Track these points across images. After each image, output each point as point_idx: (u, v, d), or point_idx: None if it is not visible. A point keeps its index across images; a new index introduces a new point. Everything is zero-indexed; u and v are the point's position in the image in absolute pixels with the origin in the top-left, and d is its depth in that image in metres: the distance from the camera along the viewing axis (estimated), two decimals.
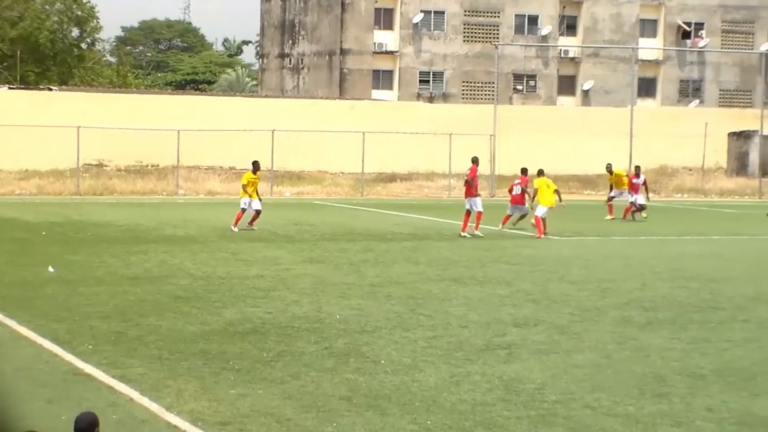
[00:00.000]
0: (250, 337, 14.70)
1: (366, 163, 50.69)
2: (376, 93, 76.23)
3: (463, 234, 29.90)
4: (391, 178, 54.92)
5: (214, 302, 17.61)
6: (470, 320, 16.34)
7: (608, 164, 39.27)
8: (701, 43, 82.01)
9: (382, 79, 77.95)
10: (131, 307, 17.06)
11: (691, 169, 59.14)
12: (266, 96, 74.20)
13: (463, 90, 78.67)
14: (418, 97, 76.56)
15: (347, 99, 67.88)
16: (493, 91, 58.28)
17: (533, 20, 80.00)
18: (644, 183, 37.71)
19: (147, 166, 53.39)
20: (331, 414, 11.03)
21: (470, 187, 30.63)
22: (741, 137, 61.65)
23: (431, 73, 78.66)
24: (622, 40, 79.14)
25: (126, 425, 10.58)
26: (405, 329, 15.49)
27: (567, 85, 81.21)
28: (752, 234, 33.11)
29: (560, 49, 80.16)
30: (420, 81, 78.41)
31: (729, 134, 62.39)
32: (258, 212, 30.65)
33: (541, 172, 32.69)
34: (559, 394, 11.90)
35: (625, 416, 11.10)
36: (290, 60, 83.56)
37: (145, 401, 11.36)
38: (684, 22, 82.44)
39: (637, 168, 39.20)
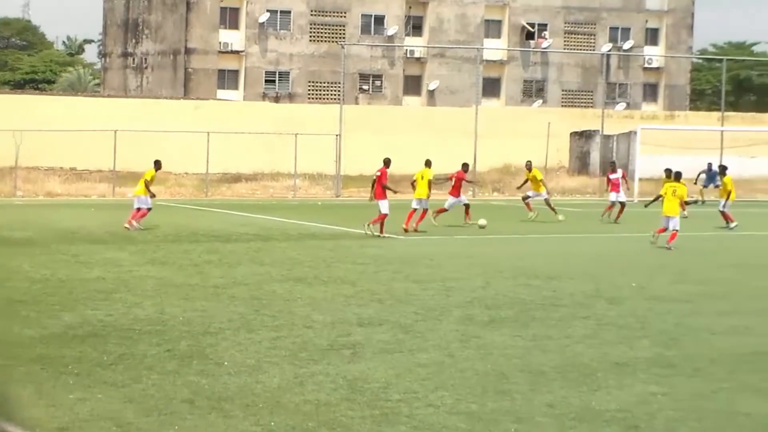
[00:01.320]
0: (90, 341, 14.39)
1: (211, 164, 50.29)
2: (221, 93, 75.74)
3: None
4: (236, 178, 54.57)
5: (53, 305, 17.20)
6: (315, 320, 16.26)
7: (528, 161, 39.05)
8: (544, 44, 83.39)
9: (227, 78, 77.46)
10: None
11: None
12: (109, 96, 73.13)
13: (310, 90, 78.62)
14: (264, 96, 76.32)
15: (192, 99, 67.29)
16: (339, 90, 58.31)
17: (379, 20, 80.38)
18: (623, 176, 38.31)
19: None
20: (173, 417, 10.84)
21: (380, 187, 30.42)
22: (583, 137, 62.82)
23: (277, 73, 78.44)
24: (467, 41, 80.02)
25: None
26: (249, 330, 15.35)
27: (413, 85, 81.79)
28: (592, 232, 33.72)
29: (406, 50, 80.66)
30: (266, 81, 78.14)
31: (571, 134, 63.52)
32: (149, 210, 31.11)
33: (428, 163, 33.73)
34: (403, 393, 11.90)
35: (468, 414, 11.14)
36: (134, 59, 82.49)
37: None
38: (528, 23, 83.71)
39: (613, 164, 39.94)
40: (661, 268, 24.09)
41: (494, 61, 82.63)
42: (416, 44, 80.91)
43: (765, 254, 27.84)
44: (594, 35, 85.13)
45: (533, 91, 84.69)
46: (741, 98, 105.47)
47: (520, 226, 34.78)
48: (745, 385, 12.59)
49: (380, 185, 30.51)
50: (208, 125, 52.90)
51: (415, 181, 32.85)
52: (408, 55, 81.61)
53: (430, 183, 32.47)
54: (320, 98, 76.98)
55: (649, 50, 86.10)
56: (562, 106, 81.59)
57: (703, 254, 27.79)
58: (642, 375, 13.02)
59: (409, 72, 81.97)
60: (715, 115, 66.76)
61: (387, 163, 31.37)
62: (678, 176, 29.82)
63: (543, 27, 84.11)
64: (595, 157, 60.45)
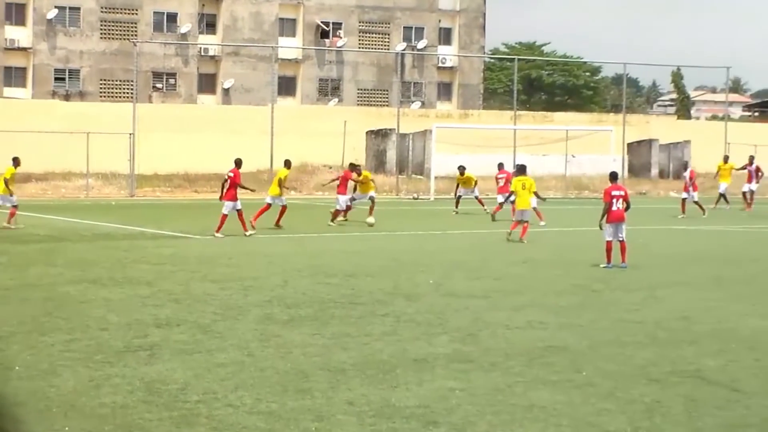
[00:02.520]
0: None
1: None
2: (8, 91, 73.80)
3: (248, 233, 30.14)
4: (26, 178, 53.05)
5: None
6: (110, 322, 15.92)
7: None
8: (339, 43, 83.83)
9: (14, 76, 75.53)
10: None
11: (331, 167, 60.20)
12: None
13: (101, 88, 77.28)
14: (54, 95, 74.65)
15: None
16: (132, 89, 57.41)
17: (172, 18, 79.54)
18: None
19: None
20: None
21: (233, 188, 30.33)
22: (379, 135, 63.34)
23: (67, 71, 76.86)
24: (262, 39, 79.83)
25: None
26: (41, 333, 14.92)
27: (208, 83, 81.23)
28: (390, 230, 33.96)
29: (200, 48, 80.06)
30: (56, 78, 76.49)
31: (367, 132, 63.97)
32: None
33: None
34: (202, 394, 11.73)
35: (268, 413, 11.05)
36: None
37: None
38: (322, 22, 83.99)
39: (500, 164, 40.08)
40: (457, 264, 24.41)
41: (289, 60, 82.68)
42: (210, 42, 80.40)
43: (553, 250, 28.49)
44: (388, 34, 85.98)
45: (329, 89, 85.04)
46: (532, 97, 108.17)
47: (318, 225, 34.78)
48: (539, 379, 12.82)
49: (233, 186, 30.46)
50: None
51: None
52: (202, 53, 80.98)
53: (281, 182, 33.02)
54: (113, 97, 75.71)
55: (442, 50, 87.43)
56: (358, 104, 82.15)
57: (497, 251, 28.28)
58: (440, 370, 13.13)
59: (204, 70, 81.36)
60: (508, 113, 68.12)
61: (238, 163, 31.50)
62: (523, 170, 31.37)
63: (338, 26, 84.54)
64: (391, 156, 61.02)
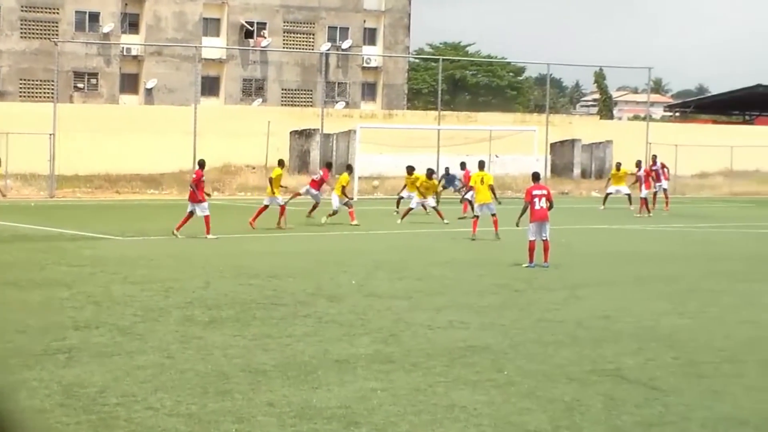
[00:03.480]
0: None
1: None
2: None
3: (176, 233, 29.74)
4: None
5: None
6: (28, 325, 15.71)
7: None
8: (264, 43, 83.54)
9: None
10: None
11: (254, 167, 59.97)
12: None
13: (21, 88, 76.42)
14: None
15: None
16: (52, 89, 56.77)
17: (94, 17, 78.84)
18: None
19: None
20: None
21: (194, 192, 30.20)
22: (303, 136, 63.17)
23: None
24: (185, 39, 79.35)
25: None
26: None
27: (130, 83, 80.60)
28: (313, 231, 33.89)
29: (123, 47, 79.39)
30: None
31: (291, 133, 63.77)
32: None
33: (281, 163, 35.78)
34: (121, 397, 11.61)
35: (188, 415, 10.97)
36: None
37: None
38: (247, 22, 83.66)
39: (462, 163, 40.19)
40: (380, 265, 24.43)
41: (213, 60, 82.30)
42: (133, 42, 79.77)
43: (476, 250, 28.60)
44: (313, 34, 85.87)
45: (253, 89, 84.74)
46: (456, 97, 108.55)
47: (241, 226, 34.63)
48: (461, 378, 12.85)
49: (200, 187, 30.44)
50: None
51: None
52: (125, 53, 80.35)
53: (271, 181, 33.96)
54: (33, 96, 74.86)
55: (367, 50, 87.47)
56: (282, 105, 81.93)
57: (419, 251, 28.32)
58: (362, 371, 13.12)
59: (126, 70, 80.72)
60: (432, 114, 68.27)
61: (201, 164, 31.64)
62: (482, 165, 32.56)
63: (262, 26, 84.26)
64: (315, 156, 60.87)
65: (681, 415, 11.44)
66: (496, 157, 59.04)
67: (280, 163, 36.05)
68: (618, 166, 48.59)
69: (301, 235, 32.22)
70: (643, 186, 44.55)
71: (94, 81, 79.23)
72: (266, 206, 33.46)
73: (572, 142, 70.12)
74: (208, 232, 29.82)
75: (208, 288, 20.01)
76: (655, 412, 11.58)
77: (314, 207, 36.70)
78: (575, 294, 20.26)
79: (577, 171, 69.05)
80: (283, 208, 33.46)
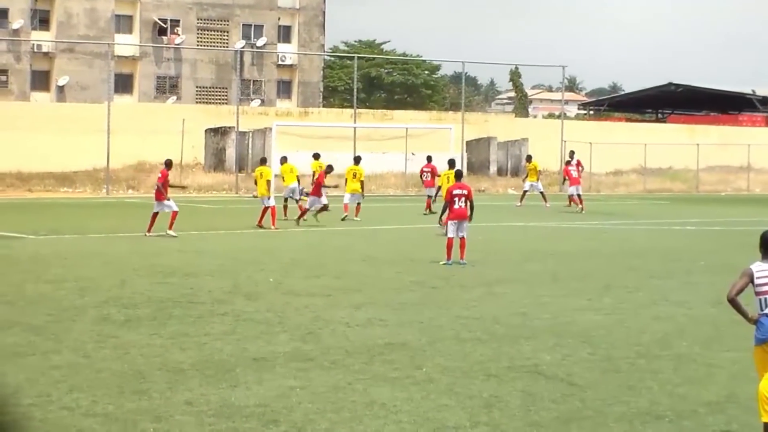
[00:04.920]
0: None
1: None
2: None
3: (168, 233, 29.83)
4: None
5: None
6: None
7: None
8: (178, 40, 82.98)
9: None
10: None
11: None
12: None
13: None
14: None
15: None
16: None
17: (3, 13, 77.83)
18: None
19: None
20: None
21: (160, 191, 30.34)
22: (218, 133, 62.77)
23: None
24: (97, 36, 78.57)
25: None
26: None
27: (41, 80, 79.59)
28: (229, 229, 33.73)
29: (33, 44, 78.33)
30: None
31: (206, 130, 63.34)
32: None
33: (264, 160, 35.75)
34: (35, 397, 11.46)
35: (105, 415, 10.85)
36: None
37: None
38: (160, 19, 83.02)
39: (428, 157, 42.55)
40: (297, 263, 24.37)
41: (126, 57, 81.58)
42: (44, 39, 78.77)
43: (393, 247, 28.63)
44: (227, 32, 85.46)
45: (167, 87, 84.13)
46: (372, 95, 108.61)
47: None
48: (379, 376, 12.86)
49: (165, 187, 30.66)
50: None
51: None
52: (35, 50, 79.30)
53: (268, 183, 33.72)
54: None
55: (282, 47, 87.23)
56: (197, 102, 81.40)
57: (337, 249, 28.30)
58: (281, 369, 13.08)
59: (37, 67, 79.71)
60: (348, 111, 68.22)
61: (168, 164, 31.91)
62: (452, 164, 31.68)
63: (176, 23, 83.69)
64: (230, 154, 60.50)
65: (598, 410, 11.54)
66: (413, 154, 59.14)
67: (263, 161, 35.82)
68: (529, 158, 49.18)
69: (217, 234, 32.02)
70: (569, 182, 45.61)
71: (3, 78, 78.16)
72: (266, 207, 33.34)
73: (488, 139, 70.43)
74: (170, 228, 30.04)
75: (124, 287, 19.83)
76: (573, 407, 11.67)
77: (323, 208, 35.43)
78: (492, 291, 20.36)
79: (493, 168, 69.36)
80: (266, 209, 33.24)
